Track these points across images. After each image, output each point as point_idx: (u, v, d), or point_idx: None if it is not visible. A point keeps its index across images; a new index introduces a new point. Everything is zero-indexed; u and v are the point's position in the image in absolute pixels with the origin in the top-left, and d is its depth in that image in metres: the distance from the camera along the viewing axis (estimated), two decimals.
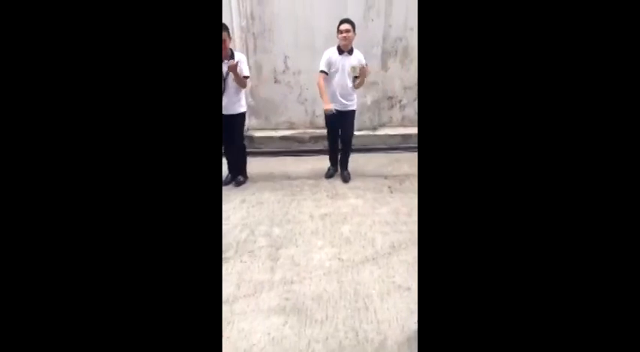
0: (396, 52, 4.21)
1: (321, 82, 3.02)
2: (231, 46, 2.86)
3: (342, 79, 3.05)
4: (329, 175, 3.44)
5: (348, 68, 3.01)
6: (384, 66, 4.23)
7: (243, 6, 3.94)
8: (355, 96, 3.18)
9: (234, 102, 2.98)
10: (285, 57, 4.17)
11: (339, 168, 3.48)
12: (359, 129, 4.31)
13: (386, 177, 3.46)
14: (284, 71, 4.20)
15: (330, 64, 3.01)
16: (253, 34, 4.05)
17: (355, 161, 3.71)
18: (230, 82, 2.90)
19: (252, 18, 4.00)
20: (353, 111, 3.20)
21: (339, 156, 3.43)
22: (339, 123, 3.21)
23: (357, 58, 3.04)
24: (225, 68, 2.83)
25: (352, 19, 2.97)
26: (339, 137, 3.31)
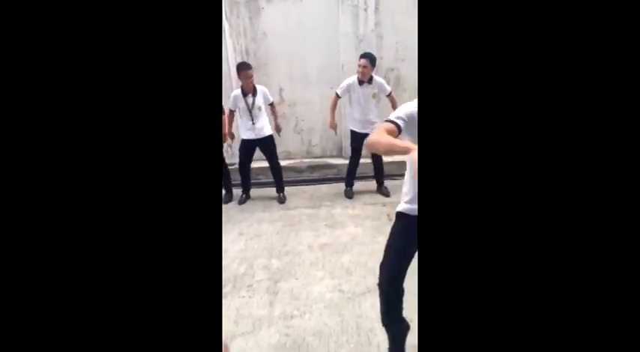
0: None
1: (332, 102, 3.48)
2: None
3: (363, 105, 3.42)
4: (348, 195, 3.68)
5: (368, 95, 3.39)
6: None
7: (238, 43, 4.08)
8: (376, 121, 3.47)
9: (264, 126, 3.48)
10: (281, 89, 4.27)
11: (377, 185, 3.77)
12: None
13: (384, 205, 3.45)
14: (280, 103, 4.28)
15: (348, 91, 3.40)
16: None
17: (353, 188, 3.71)
18: (256, 111, 3.40)
19: (247, 54, 4.13)
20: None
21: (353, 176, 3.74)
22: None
23: (378, 85, 3.40)
24: (250, 100, 3.37)
25: (360, 54, 3.38)
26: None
